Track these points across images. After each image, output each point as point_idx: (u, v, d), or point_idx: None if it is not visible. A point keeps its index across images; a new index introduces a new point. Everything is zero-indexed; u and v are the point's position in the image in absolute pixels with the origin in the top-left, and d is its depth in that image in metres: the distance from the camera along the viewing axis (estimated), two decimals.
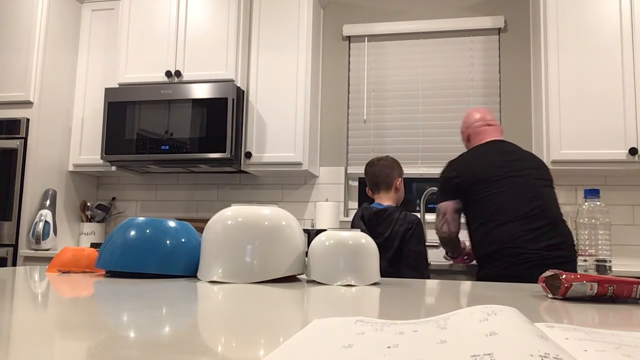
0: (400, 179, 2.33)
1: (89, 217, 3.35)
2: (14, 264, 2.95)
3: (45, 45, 3.11)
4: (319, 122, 3.31)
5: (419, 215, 3.08)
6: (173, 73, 3.08)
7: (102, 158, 3.07)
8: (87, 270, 1.25)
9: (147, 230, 1.18)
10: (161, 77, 3.10)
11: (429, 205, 3.19)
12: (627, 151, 2.63)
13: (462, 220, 2.23)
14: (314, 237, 1.61)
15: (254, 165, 3.05)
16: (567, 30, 2.77)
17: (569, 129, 2.72)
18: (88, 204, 3.36)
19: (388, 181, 2.29)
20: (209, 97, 2.95)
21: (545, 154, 2.73)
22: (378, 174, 2.30)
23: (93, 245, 3.16)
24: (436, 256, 3.03)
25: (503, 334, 0.36)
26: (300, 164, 2.98)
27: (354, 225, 2.25)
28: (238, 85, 3.01)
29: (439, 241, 2.31)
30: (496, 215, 2.03)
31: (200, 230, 1.19)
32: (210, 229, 1.15)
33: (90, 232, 3.31)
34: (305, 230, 2.75)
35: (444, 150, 3.16)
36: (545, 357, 0.31)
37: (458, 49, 3.24)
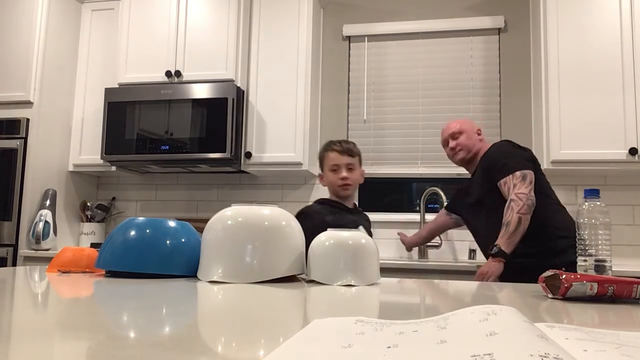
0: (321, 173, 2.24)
1: (89, 217, 3.35)
2: (14, 264, 2.95)
3: (45, 45, 3.11)
4: (319, 122, 3.31)
5: (418, 215, 3.08)
6: (173, 73, 3.08)
7: (102, 158, 3.07)
8: (87, 270, 1.25)
9: (147, 230, 1.18)
10: (161, 77, 3.10)
11: (429, 206, 3.19)
12: (627, 151, 2.63)
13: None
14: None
15: (254, 165, 3.05)
16: (567, 30, 2.77)
17: (568, 129, 2.71)
18: (88, 204, 3.36)
19: None
20: (208, 97, 2.95)
21: (545, 154, 2.73)
22: None
23: (93, 245, 3.15)
24: (437, 256, 3.03)
25: (503, 334, 0.36)
26: (300, 164, 2.98)
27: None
28: (238, 85, 3.01)
29: (521, 213, 1.95)
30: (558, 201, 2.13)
31: (200, 230, 1.19)
32: (210, 229, 1.15)
33: (90, 232, 3.31)
34: None
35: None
36: (545, 357, 0.31)
37: (458, 49, 3.24)
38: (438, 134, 3.20)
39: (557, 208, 2.10)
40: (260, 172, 3.18)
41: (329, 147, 2.17)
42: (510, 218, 1.94)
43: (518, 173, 2.00)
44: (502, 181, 2.05)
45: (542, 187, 2.07)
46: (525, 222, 1.94)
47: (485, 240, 2.14)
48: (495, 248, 1.95)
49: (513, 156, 2.08)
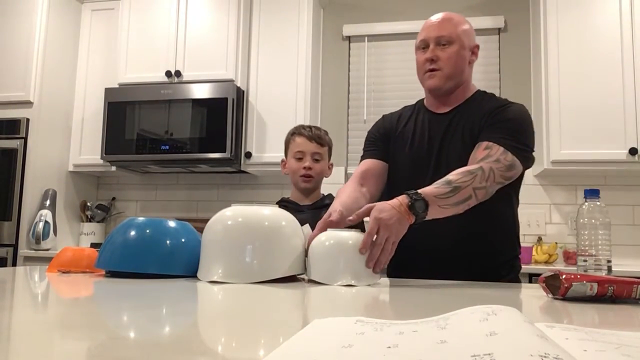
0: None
1: (89, 217, 3.35)
2: (14, 264, 2.94)
3: (45, 45, 3.11)
4: (319, 122, 3.31)
5: None
6: (173, 73, 3.08)
7: (102, 158, 3.07)
8: (87, 270, 1.25)
9: (147, 230, 1.18)
10: (161, 77, 3.10)
11: None
12: (627, 151, 2.63)
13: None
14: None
15: (254, 165, 3.05)
16: (567, 30, 2.77)
17: (568, 129, 2.71)
18: (88, 204, 3.36)
19: None
20: (208, 97, 2.95)
21: (545, 154, 2.73)
22: None
23: (93, 245, 3.15)
24: None
25: (503, 334, 0.36)
26: None
27: None
28: (238, 85, 3.01)
29: (476, 189, 1.24)
30: None
31: (200, 230, 1.17)
32: (210, 229, 1.15)
33: (90, 232, 3.31)
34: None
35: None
36: (545, 357, 0.31)
37: None
38: None
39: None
40: (260, 172, 3.18)
41: (297, 131, 1.90)
42: (462, 184, 1.22)
43: (510, 157, 1.31)
44: (488, 144, 1.32)
45: (517, 191, 1.49)
46: (469, 205, 1.25)
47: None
48: (417, 196, 1.17)
49: (529, 136, 1.40)
